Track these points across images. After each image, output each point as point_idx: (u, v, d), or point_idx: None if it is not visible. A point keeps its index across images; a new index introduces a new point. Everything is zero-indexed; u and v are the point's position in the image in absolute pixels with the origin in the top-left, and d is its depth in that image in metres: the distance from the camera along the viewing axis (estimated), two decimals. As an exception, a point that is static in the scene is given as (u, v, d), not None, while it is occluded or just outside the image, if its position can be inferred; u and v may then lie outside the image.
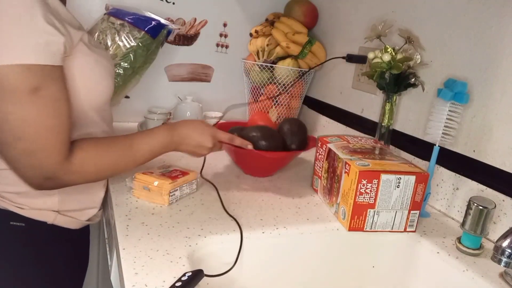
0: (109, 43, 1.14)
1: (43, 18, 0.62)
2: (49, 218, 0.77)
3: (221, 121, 1.07)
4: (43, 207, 0.77)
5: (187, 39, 1.42)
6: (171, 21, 1.37)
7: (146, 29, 1.18)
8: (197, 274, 0.59)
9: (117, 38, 1.15)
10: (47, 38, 0.63)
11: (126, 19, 1.18)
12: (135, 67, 1.17)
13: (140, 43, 1.16)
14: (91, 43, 0.77)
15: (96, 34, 1.15)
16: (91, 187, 0.81)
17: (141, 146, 0.77)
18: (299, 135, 1.01)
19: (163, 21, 1.22)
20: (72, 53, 0.70)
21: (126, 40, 1.15)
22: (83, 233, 0.88)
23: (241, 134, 0.95)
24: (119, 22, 1.17)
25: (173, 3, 1.37)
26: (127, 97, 1.37)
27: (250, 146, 0.91)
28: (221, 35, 1.47)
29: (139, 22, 1.18)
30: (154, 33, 1.19)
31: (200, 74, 1.48)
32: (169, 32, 1.26)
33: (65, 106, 0.67)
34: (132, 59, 1.15)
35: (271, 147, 0.95)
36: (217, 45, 1.48)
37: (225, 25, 1.46)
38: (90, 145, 0.71)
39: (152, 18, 1.21)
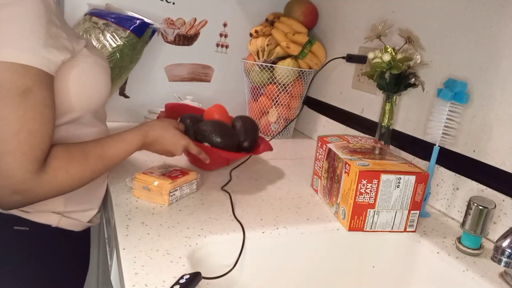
0: (94, 43, 1.13)
1: (49, 27, 0.64)
2: (54, 221, 0.77)
3: (181, 102, 1.05)
4: (48, 209, 0.76)
5: (187, 39, 1.42)
6: (171, 21, 1.37)
7: (131, 28, 1.17)
8: (195, 277, 0.59)
9: (101, 38, 1.14)
10: (49, 47, 0.64)
11: (109, 18, 1.17)
12: (121, 67, 1.17)
13: (126, 42, 1.16)
14: (89, 45, 0.77)
15: (80, 34, 1.15)
16: (92, 186, 0.81)
17: (115, 151, 0.75)
18: (252, 134, 1.05)
19: (147, 20, 1.22)
20: (74, 58, 0.71)
21: (112, 39, 1.15)
22: (85, 235, 0.89)
23: (198, 128, 0.97)
24: (102, 21, 1.16)
25: (173, 3, 1.37)
26: (127, 97, 1.37)
27: (208, 161, 0.93)
28: (221, 35, 1.47)
29: (123, 21, 1.18)
30: (139, 32, 1.19)
31: (200, 74, 1.48)
32: (154, 31, 1.25)
33: (51, 114, 0.65)
34: (118, 58, 1.15)
35: (226, 145, 0.96)
36: (217, 45, 1.48)
37: (225, 25, 1.46)
38: (63, 152, 0.67)
39: (135, 17, 1.21)
